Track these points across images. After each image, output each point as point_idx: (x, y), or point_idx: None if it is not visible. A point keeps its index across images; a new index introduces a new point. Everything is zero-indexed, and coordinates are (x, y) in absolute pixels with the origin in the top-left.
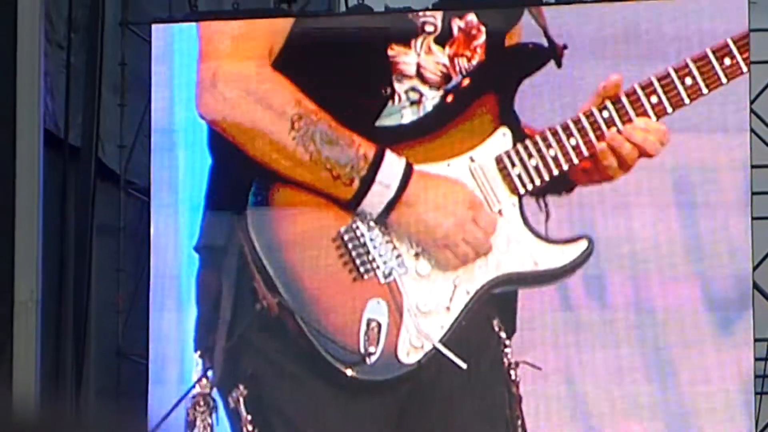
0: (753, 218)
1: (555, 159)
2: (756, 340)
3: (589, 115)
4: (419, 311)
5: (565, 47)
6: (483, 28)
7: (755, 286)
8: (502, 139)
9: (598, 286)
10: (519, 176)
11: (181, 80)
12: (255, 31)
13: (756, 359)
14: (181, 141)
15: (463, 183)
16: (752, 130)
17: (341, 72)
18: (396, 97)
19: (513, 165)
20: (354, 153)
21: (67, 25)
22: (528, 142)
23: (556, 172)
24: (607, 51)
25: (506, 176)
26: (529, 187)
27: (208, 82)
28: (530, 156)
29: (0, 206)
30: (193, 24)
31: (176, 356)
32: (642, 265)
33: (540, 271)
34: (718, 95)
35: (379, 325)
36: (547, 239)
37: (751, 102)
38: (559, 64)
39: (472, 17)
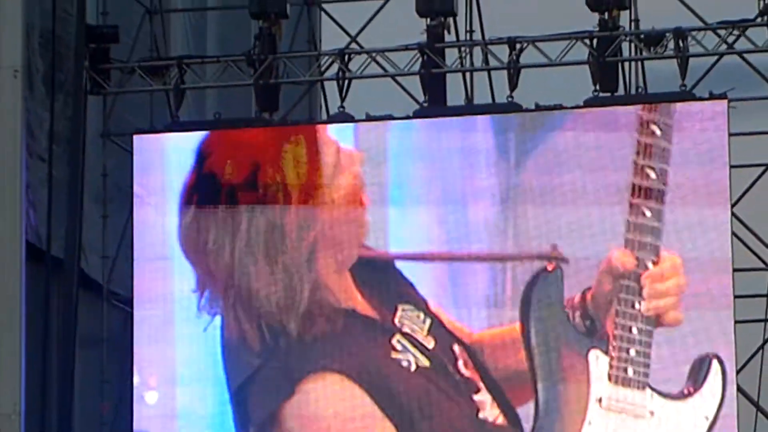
0: (735, 321)
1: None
2: None
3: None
4: None
5: None
6: None
7: (739, 389)
8: (596, 364)
9: None
10: (636, 372)
11: (164, 190)
12: None
13: None
14: (164, 252)
15: None
16: (734, 233)
17: None
18: None
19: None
20: None
21: (49, 137)
22: (612, 352)
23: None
24: None
25: (631, 383)
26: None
27: None
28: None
29: None
30: (176, 134)
31: None
32: None
33: None
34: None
35: None
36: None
37: (733, 206)
38: None
39: None
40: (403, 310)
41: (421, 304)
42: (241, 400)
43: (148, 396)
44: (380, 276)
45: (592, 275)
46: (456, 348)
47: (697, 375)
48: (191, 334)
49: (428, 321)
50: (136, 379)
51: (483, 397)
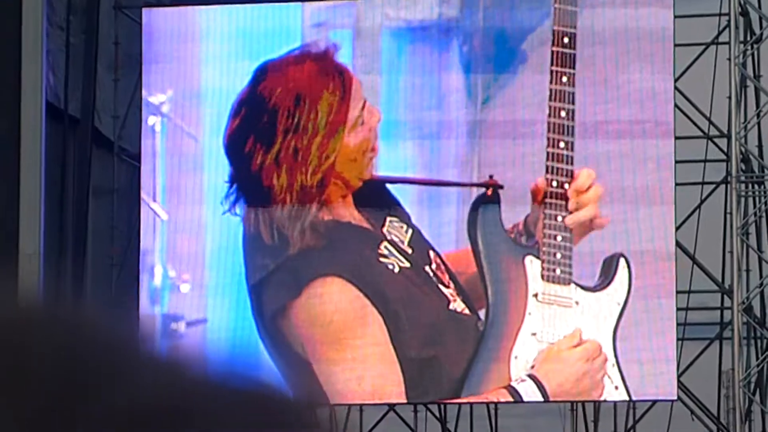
0: (676, 184)
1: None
2: (678, 293)
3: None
4: None
5: None
6: None
7: (678, 245)
8: (531, 266)
9: None
10: (562, 272)
11: (167, 59)
12: None
13: (678, 309)
14: (168, 112)
15: None
16: (676, 105)
17: None
18: None
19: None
20: None
21: (67, 8)
22: (543, 256)
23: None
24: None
25: (559, 280)
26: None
27: None
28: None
29: (6, 170)
30: (179, 8)
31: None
32: None
33: None
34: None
35: None
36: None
37: (676, 80)
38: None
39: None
40: (390, 221)
41: (405, 217)
42: (258, 294)
43: (182, 287)
44: (374, 195)
45: (525, 198)
46: (431, 254)
47: (608, 270)
48: (220, 222)
49: (410, 231)
50: (172, 272)
51: (450, 291)
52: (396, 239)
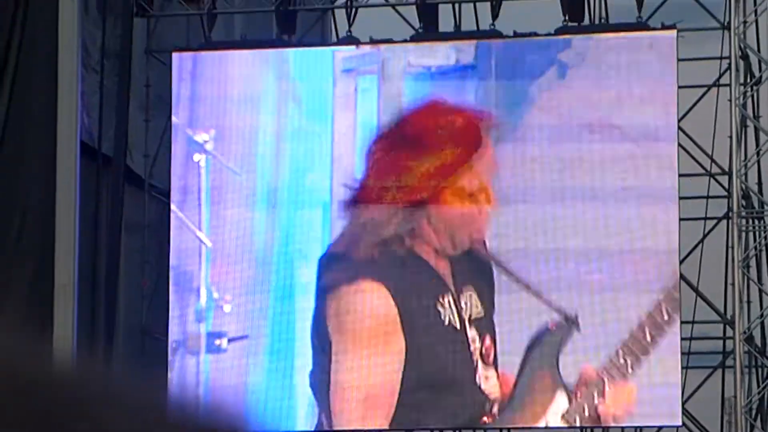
0: (680, 219)
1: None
2: (682, 323)
3: None
4: None
5: None
6: None
7: (681, 277)
8: (561, 399)
9: None
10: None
11: (196, 99)
12: None
13: (682, 339)
14: (212, 150)
15: None
16: (679, 144)
17: None
18: None
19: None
20: None
21: (101, 52)
22: (573, 399)
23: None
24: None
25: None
26: None
27: None
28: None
29: (43, 206)
30: (207, 53)
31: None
32: None
33: None
34: None
35: None
36: None
37: (679, 120)
38: None
39: None
40: (470, 295)
41: (485, 296)
42: (323, 266)
43: (225, 307)
44: (474, 264)
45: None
46: (487, 339)
47: None
48: (258, 248)
49: (481, 313)
50: (215, 294)
51: (490, 373)
52: (463, 307)
